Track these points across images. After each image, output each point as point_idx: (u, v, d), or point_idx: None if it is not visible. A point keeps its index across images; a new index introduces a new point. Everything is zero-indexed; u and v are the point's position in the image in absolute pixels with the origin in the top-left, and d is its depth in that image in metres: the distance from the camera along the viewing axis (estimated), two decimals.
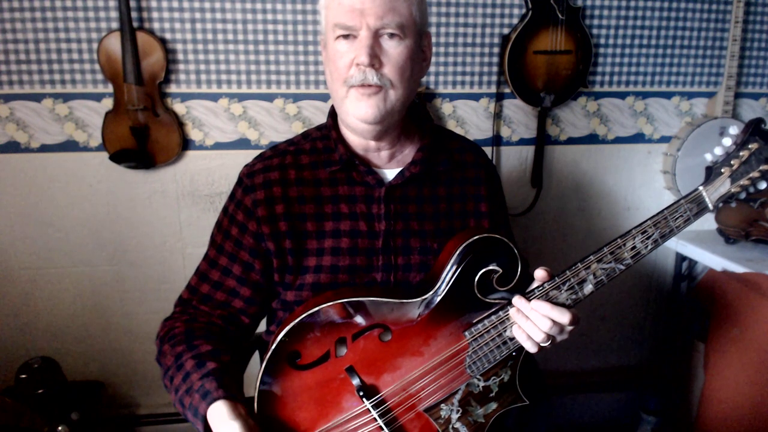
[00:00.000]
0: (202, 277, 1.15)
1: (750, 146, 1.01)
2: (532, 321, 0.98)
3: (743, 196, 1.03)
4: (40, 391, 1.71)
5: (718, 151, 1.03)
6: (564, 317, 0.97)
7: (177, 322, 1.10)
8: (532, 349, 1.00)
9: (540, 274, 1.00)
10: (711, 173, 1.03)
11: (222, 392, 0.94)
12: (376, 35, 1.01)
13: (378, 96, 1.03)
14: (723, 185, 1.02)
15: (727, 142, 1.03)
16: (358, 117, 1.04)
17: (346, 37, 1.02)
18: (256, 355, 1.30)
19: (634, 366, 2.39)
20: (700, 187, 1.02)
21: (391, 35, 1.01)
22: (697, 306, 2.10)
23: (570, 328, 1.00)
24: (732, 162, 1.01)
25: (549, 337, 0.98)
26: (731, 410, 1.86)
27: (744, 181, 1.01)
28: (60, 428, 1.67)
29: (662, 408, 2.19)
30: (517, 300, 1.00)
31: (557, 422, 2.33)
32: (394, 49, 1.02)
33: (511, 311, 1.00)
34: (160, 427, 2.06)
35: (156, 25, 1.80)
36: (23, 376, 1.71)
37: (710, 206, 1.02)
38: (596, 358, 2.35)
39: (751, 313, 1.81)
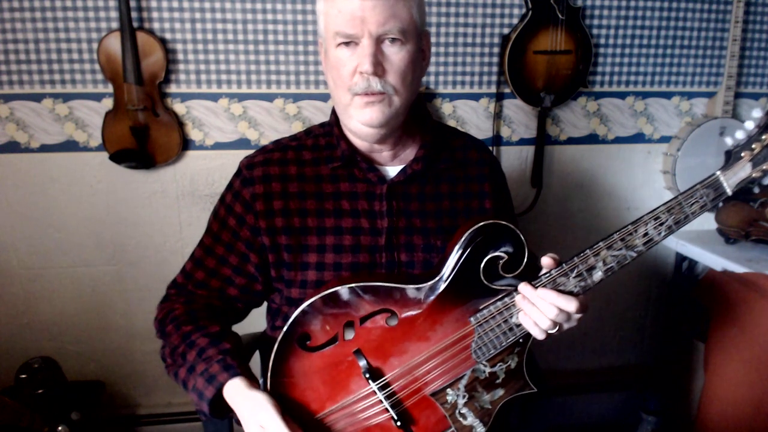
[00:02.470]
0: (198, 264, 1.15)
1: None
2: (539, 308, 0.98)
3: (767, 181, 0.99)
4: (40, 391, 1.71)
5: (740, 135, 0.99)
6: (570, 305, 0.97)
7: (175, 304, 1.12)
8: (539, 336, 1.00)
9: (547, 261, 1.00)
10: (730, 157, 0.99)
11: (243, 369, 0.99)
12: (377, 42, 1.00)
13: (382, 103, 1.03)
14: (743, 169, 0.98)
15: (750, 125, 0.99)
16: (363, 122, 1.04)
17: (347, 44, 1.01)
18: (257, 355, 1.30)
19: (634, 366, 2.39)
20: (718, 172, 0.99)
21: (393, 40, 1.01)
22: (697, 306, 2.09)
23: (578, 315, 1.00)
24: (753, 146, 0.98)
25: (556, 324, 0.98)
26: (731, 410, 1.86)
27: (766, 166, 0.97)
28: (60, 428, 1.67)
29: (662, 408, 2.19)
30: (523, 287, 1.00)
31: (557, 422, 2.33)
32: (396, 55, 1.01)
33: (517, 298, 1.00)
34: (160, 427, 2.06)
35: (156, 25, 1.80)
36: (23, 376, 1.71)
37: (728, 191, 0.99)
38: (596, 358, 2.35)
39: (751, 313, 1.81)
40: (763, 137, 0.97)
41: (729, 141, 1.00)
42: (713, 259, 1.89)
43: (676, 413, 2.17)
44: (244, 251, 1.12)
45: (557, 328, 0.99)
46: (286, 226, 1.09)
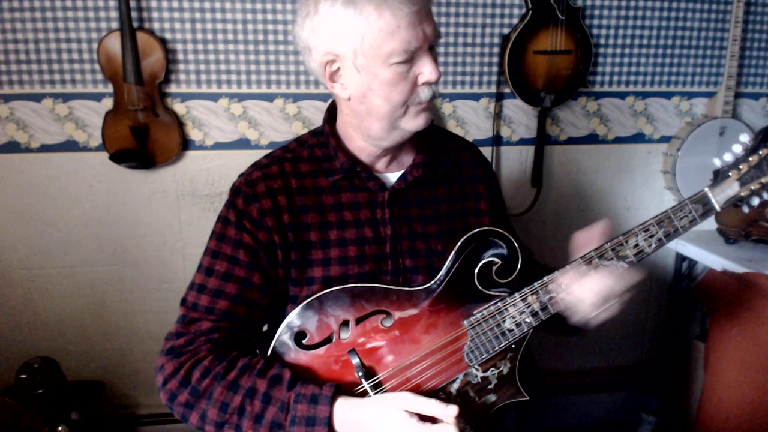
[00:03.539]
0: (217, 294, 1.03)
1: (761, 152, 1.02)
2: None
3: (756, 201, 1.04)
4: (40, 391, 1.71)
5: (728, 156, 1.05)
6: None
7: (199, 354, 0.99)
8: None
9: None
10: (718, 176, 1.05)
11: (331, 389, 0.94)
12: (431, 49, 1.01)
13: (431, 106, 1.05)
14: (730, 188, 1.03)
15: (737, 148, 1.04)
16: (416, 128, 1.04)
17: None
18: None
19: (634, 366, 2.39)
20: (706, 189, 1.04)
21: (434, 45, 1.01)
22: (697, 306, 2.09)
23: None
24: (740, 166, 1.03)
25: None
26: (731, 410, 1.86)
27: (754, 185, 1.02)
28: (60, 428, 1.67)
29: (662, 408, 2.19)
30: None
31: (557, 422, 2.33)
32: (435, 58, 1.02)
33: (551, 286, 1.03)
34: (160, 427, 2.06)
35: (156, 25, 1.80)
36: (23, 376, 1.71)
37: (717, 207, 1.04)
38: (596, 358, 2.35)
39: (751, 313, 1.81)
40: (750, 159, 1.03)
41: (717, 162, 1.06)
42: (713, 259, 1.89)
43: (676, 413, 2.17)
44: (266, 264, 1.05)
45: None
46: (296, 241, 1.06)
